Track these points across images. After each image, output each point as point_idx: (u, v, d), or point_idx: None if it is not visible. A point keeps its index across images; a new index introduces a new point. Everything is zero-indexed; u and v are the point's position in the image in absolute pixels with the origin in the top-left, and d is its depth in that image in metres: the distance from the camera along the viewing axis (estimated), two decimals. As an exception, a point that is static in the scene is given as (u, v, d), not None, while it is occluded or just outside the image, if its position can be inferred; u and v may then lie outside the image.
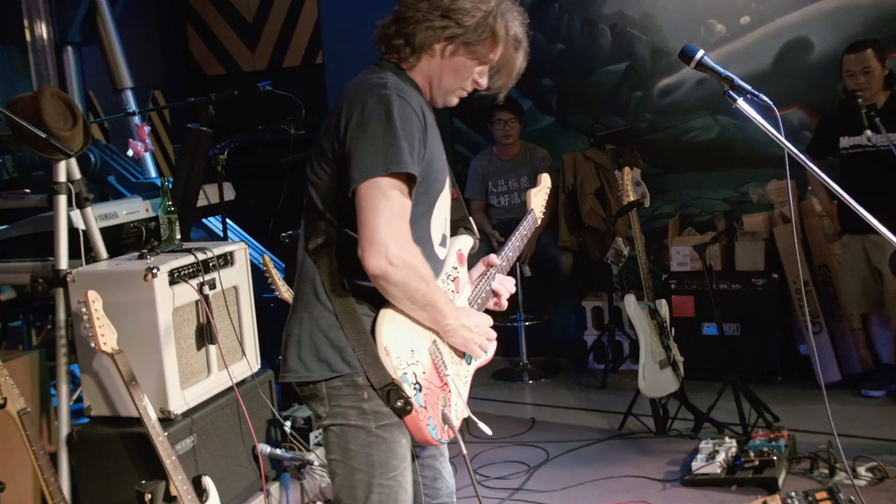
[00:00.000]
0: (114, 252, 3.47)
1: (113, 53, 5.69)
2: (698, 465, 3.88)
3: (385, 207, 1.92)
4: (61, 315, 3.13)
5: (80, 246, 3.35)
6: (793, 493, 3.43)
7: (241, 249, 3.48)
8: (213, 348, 3.26)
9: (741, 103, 2.14)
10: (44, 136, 2.87)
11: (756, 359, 5.10)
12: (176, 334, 3.06)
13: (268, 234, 4.67)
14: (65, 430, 3.10)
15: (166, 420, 2.99)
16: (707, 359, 4.91)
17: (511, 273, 2.47)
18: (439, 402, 2.10)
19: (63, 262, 3.16)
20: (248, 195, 5.43)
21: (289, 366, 2.09)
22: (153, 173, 5.43)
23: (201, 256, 3.21)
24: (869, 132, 4.33)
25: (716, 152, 5.65)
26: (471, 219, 2.42)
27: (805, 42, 5.35)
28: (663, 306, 4.59)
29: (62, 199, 3.20)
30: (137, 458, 2.94)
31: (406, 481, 2.11)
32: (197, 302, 3.18)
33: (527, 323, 5.73)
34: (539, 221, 2.64)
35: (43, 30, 5.44)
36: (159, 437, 2.78)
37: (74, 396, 3.46)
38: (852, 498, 3.36)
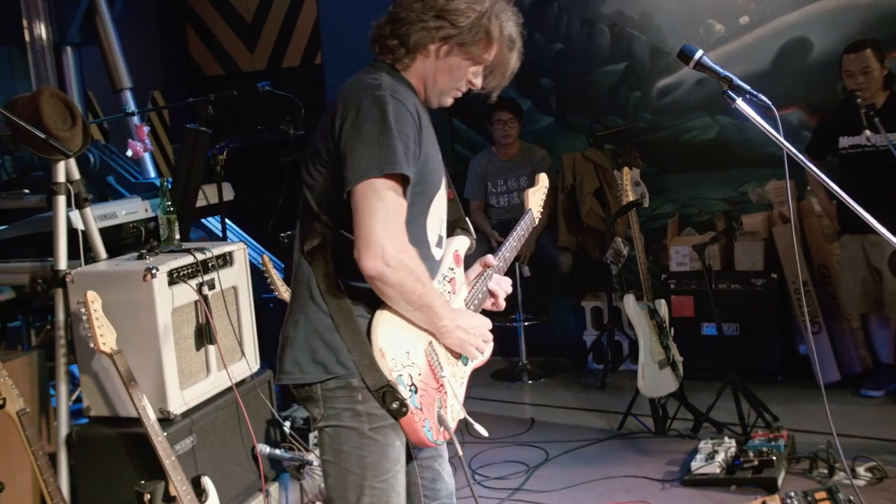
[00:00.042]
0: (113, 252, 3.47)
1: (112, 54, 5.69)
2: (697, 465, 3.88)
3: (381, 208, 1.92)
4: (60, 315, 3.13)
5: (80, 246, 3.34)
6: (792, 493, 3.43)
7: (240, 250, 3.48)
8: (212, 348, 3.26)
9: (740, 103, 2.14)
10: (43, 136, 2.87)
11: (755, 359, 5.10)
12: (175, 335, 3.06)
13: (267, 235, 4.66)
14: (64, 430, 3.10)
15: (165, 420, 2.99)
16: (706, 359, 4.91)
17: (510, 273, 2.46)
18: (435, 404, 2.09)
19: (62, 263, 3.16)
20: (247, 195, 5.43)
21: (284, 368, 2.09)
22: (152, 173, 5.42)
23: (200, 257, 3.21)
24: (868, 132, 4.33)
25: (715, 152, 5.65)
26: (467, 219, 2.42)
27: (804, 42, 5.35)
28: (662, 306, 4.59)
29: (61, 200, 3.20)
30: (137, 459, 2.94)
31: (399, 484, 2.11)
32: (196, 302, 3.18)
33: (526, 323, 5.73)
34: (537, 221, 2.64)
35: (42, 30, 5.44)
36: (158, 438, 2.77)
37: (74, 397, 3.46)
38: (851, 498, 3.36)
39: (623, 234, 5.03)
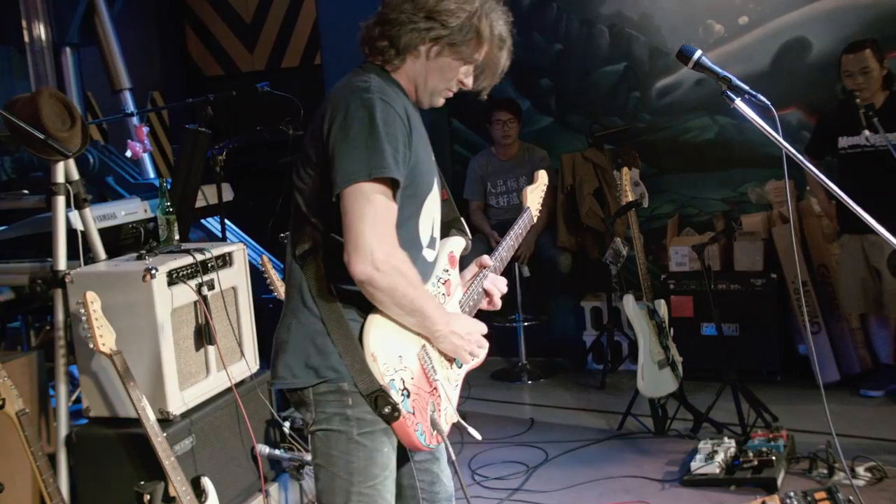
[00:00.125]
0: (112, 253, 3.47)
1: (111, 54, 5.68)
2: (697, 465, 3.88)
3: (370, 212, 1.91)
4: (60, 316, 3.13)
5: (79, 247, 3.34)
6: (791, 494, 3.43)
7: (239, 250, 3.48)
8: (211, 349, 3.26)
9: (739, 103, 2.14)
10: (42, 137, 2.87)
11: (755, 359, 5.10)
12: (174, 335, 3.06)
13: (266, 235, 4.65)
14: (63, 430, 3.10)
15: (165, 421, 2.99)
16: (706, 359, 4.91)
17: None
18: (428, 408, 2.08)
19: (61, 263, 3.16)
20: (246, 196, 5.43)
21: (277, 372, 2.08)
22: (152, 174, 5.42)
23: (200, 257, 3.21)
24: (867, 132, 4.33)
25: (714, 152, 5.65)
26: (462, 220, 2.41)
27: (803, 42, 5.35)
28: (662, 306, 4.59)
29: (60, 200, 3.20)
30: (136, 459, 2.94)
31: (386, 491, 2.10)
32: (195, 303, 3.18)
33: (525, 323, 5.73)
34: (535, 219, 2.62)
35: (41, 30, 5.44)
36: (158, 438, 2.78)
37: (73, 397, 3.46)
38: (851, 498, 3.37)
39: (622, 234, 5.04)
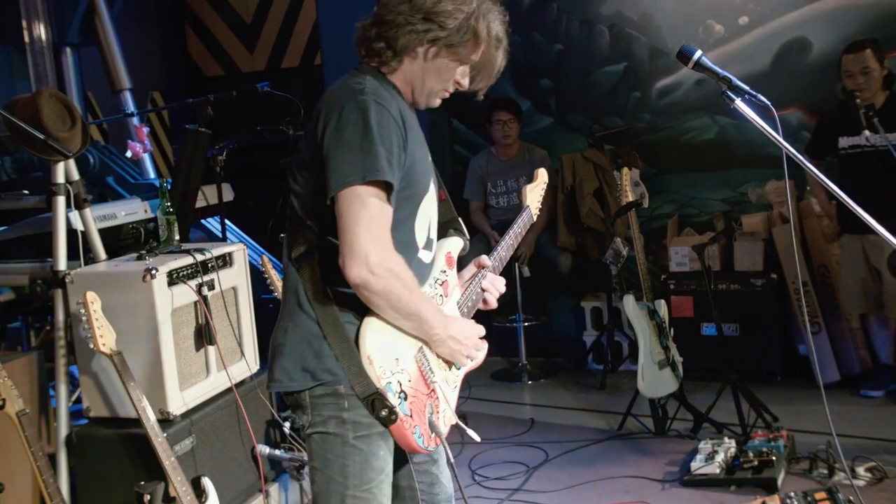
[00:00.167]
0: (112, 253, 3.47)
1: (111, 54, 5.69)
2: (697, 465, 3.88)
3: (364, 216, 1.90)
4: (60, 316, 3.13)
5: (79, 247, 3.34)
6: (792, 494, 3.43)
7: (239, 250, 3.48)
8: (211, 349, 3.26)
9: (739, 104, 2.14)
10: (42, 137, 2.87)
11: (755, 359, 5.10)
12: (175, 335, 3.06)
13: (266, 235, 4.65)
14: (64, 431, 3.10)
15: (165, 421, 2.99)
16: (706, 359, 4.91)
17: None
18: (426, 410, 2.07)
19: (62, 264, 3.16)
20: (246, 196, 5.44)
21: (274, 376, 2.07)
22: (152, 174, 5.42)
23: (200, 257, 3.21)
24: (867, 132, 4.32)
25: (714, 153, 5.65)
26: (460, 220, 2.39)
27: (803, 42, 5.35)
28: (662, 307, 4.59)
29: (61, 201, 3.20)
30: (136, 459, 2.94)
31: (382, 494, 2.09)
32: (196, 303, 3.18)
33: (526, 323, 5.73)
34: (535, 218, 2.61)
35: (41, 31, 5.45)
36: (158, 438, 2.78)
37: (73, 397, 3.46)
38: (851, 498, 3.36)
39: (622, 234, 5.03)
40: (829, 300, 5.06)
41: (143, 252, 3.17)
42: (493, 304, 2.36)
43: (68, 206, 3.24)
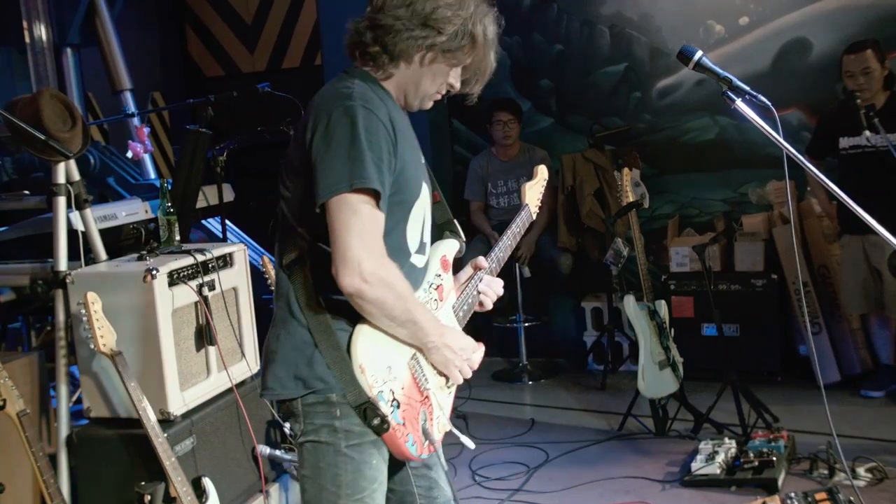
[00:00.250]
0: (113, 254, 3.47)
1: (112, 55, 5.69)
2: (698, 465, 3.88)
3: (356, 223, 1.88)
4: (60, 316, 3.13)
5: (80, 247, 3.34)
6: (792, 494, 3.43)
7: (240, 251, 3.48)
8: (212, 350, 3.26)
9: (740, 104, 2.14)
10: (43, 137, 2.87)
11: (755, 359, 5.10)
12: (175, 336, 3.06)
13: (267, 236, 4.65)
14: (64, 431, 3.10)
15: (166, 421, 2.99)
16: (706, 359, 4.90)
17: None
18: (419, 417, 2.05)
19: (62, 264, 3.16)
20: (247, 196, 5.44)
21: (267, 383, 2.06)
22: (152, 175, 5.43)
23: (200, 258, 3.21)
24: (868, 133, 4.32)
25: (715, 153, 5.65)
26: (456, 222, 2.36)
27: (804, 43, 5.35)
28: (663, 307, 4.59)
29: (61, 201, 3.20)
30: (137, 460, 2.94)
31: (375, 503, 2.08)
32: (196, 303, 3.18)
33: (526, 324, 5.73)
34: (534, 216, 2.57)
35: (42, 31, 5.45)
36: (159, 439, 2.78)
37: (74, 398, 3.46)
38: (852, 499, 3.36)
39: (623, 234, 5.03)
40: (829, 300, 5.06)
41: (144, 252, 3.17)
42: (489, 308, 2.34)
43: (69, 206, 3.24)
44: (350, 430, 1.99)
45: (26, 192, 4.27)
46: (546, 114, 6.09)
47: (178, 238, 3.40)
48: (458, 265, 2.33)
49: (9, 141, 4.19)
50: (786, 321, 5.19)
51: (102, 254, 3.39)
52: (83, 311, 2.75)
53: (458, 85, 2.14)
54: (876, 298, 4.75)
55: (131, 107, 5.61)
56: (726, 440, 4.03)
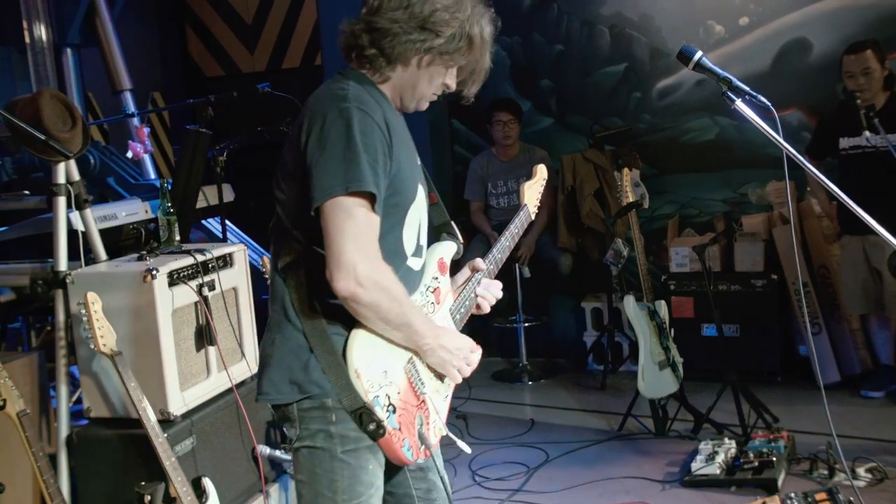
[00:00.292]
0: (113, 254, 3.47)
1: (112, 55, 5.69)
2: (698, 465, 3.88)
3: (351, 227, 1.86)
4: (60, 316, 3.13)
5: (80, 247, 3.35)
6: (792, 494, 3.44)
7: (240, 251, 3.48)
8: (212, 350, 3.26)
9: (740, 104, 2.14)
10: (43, 137, 2.87)
11: (755, 360, 5.10)
12: (175, 336, 3.06)
13: (266, 236, 4.66)
14: (64, 431, 3.10)
15: (166, 421, 2.99)
16: (706, 360, 4.91)
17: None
18: (416, 422, 2.04)
19: (62, 264, 3.16)
20: (247, 197, 5.43)
21: (262, 388, 2.04)
22: (152, 175, 5.42)
23: (200, 258, 3.21)
24: (868, 133, 4.32)
25: (715, 153, 5.65)
26: (453, 224, 2.35)
27: (804, 43, 5.35)
28: (662, 307, 4.59)
29: (61, 201, 3.20)
30: (137, 460, 2.94)
31: None
32: (196, 303, 3.18)
33: (526, 324, 5.73)
34: (533, 216, 2.56)
35: (42, 31, 5.45)
36: (159, 439, 2.78)
37: (74, 398, 3.46)
38: (852, 499, 3.37)
39: (623, 235, 5.03)
40: (829, 301, 5.07)
41: (144, 252, 3.17)
42: (487, 311, 2.33)
43: (69, 206, 3.24)
44: (346, 435, 1.98)
45: (26, 192, 4.27)
46: (546, 114, 6.09)
47: (178, 238, 3.40)
48: (456, 266, 2.32)
49: (9, 141, 4.18)
50: (786, 321, 5.19)
51: (102, 254, 3.40)
52: (83, 311, 2.75)
53: (453, 85, 2.13)
54: (876, 299, 4.75)
55: (131, 107, 5.61)
56: (726, 440, 4.03)
